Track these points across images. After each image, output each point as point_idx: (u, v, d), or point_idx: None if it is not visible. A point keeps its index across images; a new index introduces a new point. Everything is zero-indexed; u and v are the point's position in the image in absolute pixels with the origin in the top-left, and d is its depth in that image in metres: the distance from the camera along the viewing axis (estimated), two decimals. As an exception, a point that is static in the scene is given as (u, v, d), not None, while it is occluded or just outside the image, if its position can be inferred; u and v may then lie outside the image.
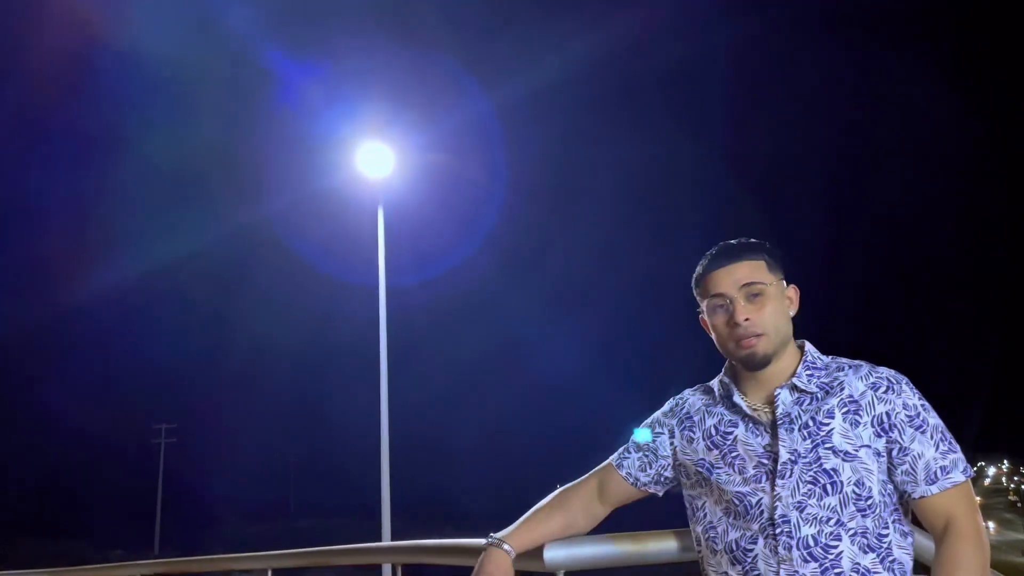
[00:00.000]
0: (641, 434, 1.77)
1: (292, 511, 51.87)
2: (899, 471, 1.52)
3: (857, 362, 1.63)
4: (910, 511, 1.57)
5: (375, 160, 14.20)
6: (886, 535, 1.51)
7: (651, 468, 1.73)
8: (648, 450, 1.73)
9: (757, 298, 1.59)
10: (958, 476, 1.51)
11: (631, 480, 1.73)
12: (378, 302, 13.54)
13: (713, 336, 1.66)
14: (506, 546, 1.67)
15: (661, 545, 1.79)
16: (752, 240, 1.67)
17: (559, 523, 1.74)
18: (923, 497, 1.51)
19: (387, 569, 8.47)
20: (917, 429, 1.52)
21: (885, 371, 1.60)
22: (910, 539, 1.56)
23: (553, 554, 1.73)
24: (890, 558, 1.50)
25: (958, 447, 1.56)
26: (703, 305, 1.65)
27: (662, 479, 1.73)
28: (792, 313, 1.65)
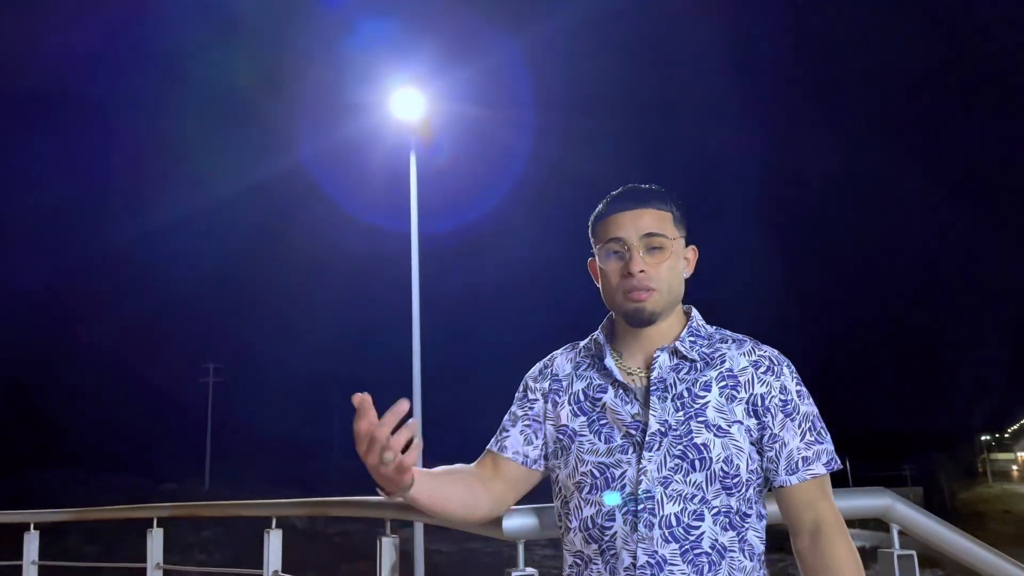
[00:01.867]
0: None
1: (336, 450, 53.40)
2: (765, 457, 1.44)
3: (741, 336, 1.53)
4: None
5: (407, 105, 14.09)
6: (749, 515, 1.43)
7: (537, 438, 1.56)
8: (528, 419, 1.57)
9: (657, 252, 1.47)
10: (819, 468, 1.43)
11: (520, 459, 1.55)
12: (410, 244, 13.57)
13: (599, 284, 1.54)
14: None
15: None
16: (661, 188, 1.53)
17: (459, 493, 1.52)
18: (782, 487, 1.43)
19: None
20: (787, 416, 1.44)
21: (769, 351, 1.50)
22: (764, 522, 1.48)
23: (512, 523, 1.69)
24: (745, 538, 1.42)
25: (828, 438, 1.47)
26: (596, 249, 1.52)
27: (550, 450, 1.55)
28: (687, 275, 1.53)
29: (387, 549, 2.64)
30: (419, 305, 13.30)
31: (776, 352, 1.51)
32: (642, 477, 1.39)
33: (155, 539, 4.13)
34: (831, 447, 1.46)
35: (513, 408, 1.61)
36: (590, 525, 1.43)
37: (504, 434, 1.58)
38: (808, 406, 1.46)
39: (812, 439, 1.44)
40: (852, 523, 1.89)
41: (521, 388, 1.62)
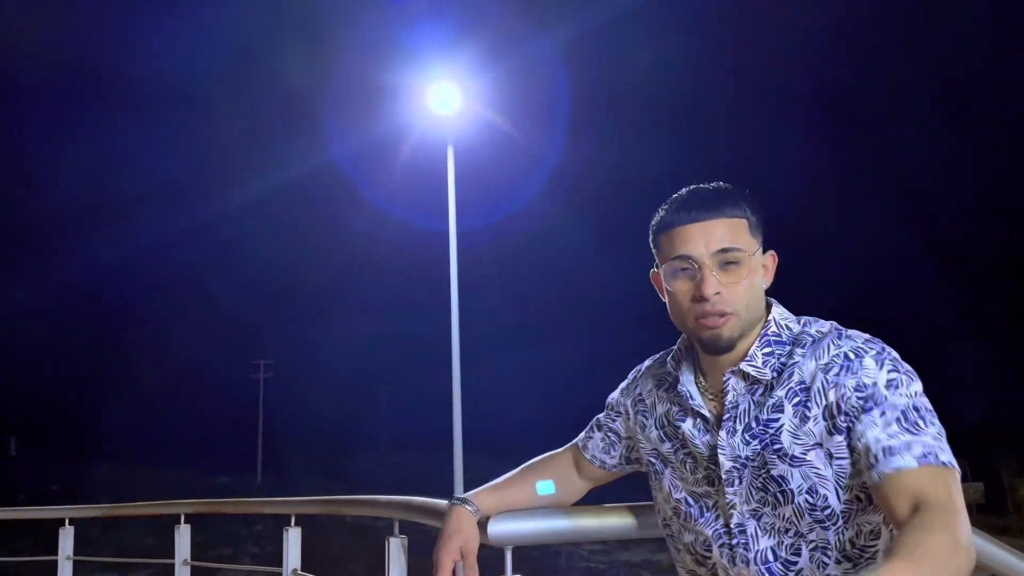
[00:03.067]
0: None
1: (384, 444, 54.02)
2: (853, 459, 1.21)
3: (825, 329, 1.29)
4: None
5: (444, 100, 14.09)
6: (872, 546, 1.23)
7: (615, 450, 1.53)
8: (609, 430, 1.53)
9: (732, 268, 1.26)
10: (907, 461, 1.11)
11: (597, 463, 1.55)
12: (448, 241, 13.58)
13: (667, 302, 1.35)
14: (469, 506, 1.46)
15: (623, 521, 1.62)
16: (732, 188, 1.32)
17: (528, 492, 1.54)
18: (869, 486, 1.17)
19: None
20: (869, 412, 1.18)
21: (848, 343, 1.25)
22: None
23: (497, 528, 1.61)
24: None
25: (930, 431, 1.16)
26: (662, 265, 1.32)
27: (632, 459, 1.52)
28: (766, 285, 1.33)
29: (395, 550, 2.59)
30: (457, 299, 13.31)
31: (859, 342, 1.24)
32: (732, 511, 1.29)
33: (182, 535, 4.17)
34: (935, 442, 1.14)
35: (602, 414, 1.56)
36: (693, 551, 1.37)
37: (590, 435, 1.57)
38: (900, 396, 1.18)
39: (900, 429, 1.14)
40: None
41: (611, 397, 1.55)
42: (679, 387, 1.36)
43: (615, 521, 1.63)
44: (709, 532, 1.32)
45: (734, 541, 1.29)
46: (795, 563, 1.25)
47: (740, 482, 1.27)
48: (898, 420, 1.16)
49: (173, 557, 4.17)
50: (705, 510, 1.33)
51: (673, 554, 1.45)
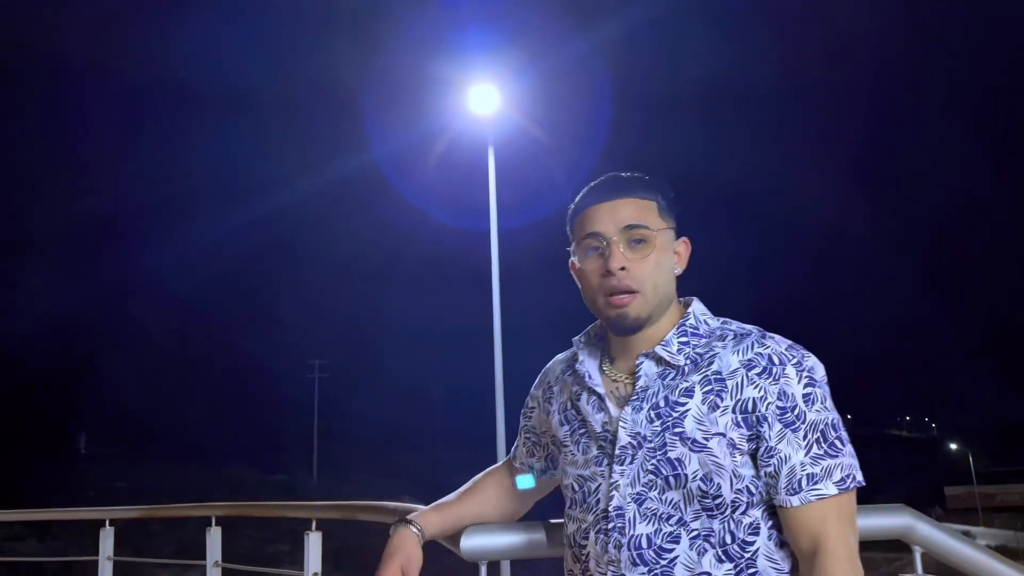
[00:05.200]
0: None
1: (436, 441, 54.51)
2: (763, 473, 1.23)
3: (748, 329, 1.32)
4: None
5: (484, 100, 14.13)
6: (752, 543, 1.22)
7: (537, 451, 1.52)
8: (528, 431, 1.52)
9: (640, 245, 1.29)
10: (827, 487, 1.20)
11: (527, 470, 1.55)
12: (489, 241, 13.61)
13: (581, 287, 1.37)
14: (414, 527, 1.48)
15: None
16: (645, 176, 1.35)
17: (471, 508, 1.58)
18: (783, 507, 1.23)
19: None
20: (788, 426, 1.22)
21: (773, 346, 1.27)
22: (786, 550, 1.26)
23: (470, 543, 1.61)
24: (752, 571, 1.22)
25: (846, 451, 1.23)
26: (573, 247, 1.36)
27: (556, 460, 1.50)
28: (678, 271, 1.36)
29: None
30: (499, 300, 13.33)
31: (784, 348, 1.27)
32: (614, 492, 1.26)
33: (213, 537, 4.26)
34: (849, 461, 1.23)
35: (521, 418, 1.57)
36: (572, 543, 1.34)
37: (517, 444, 1.58)
38: (819, 413, 1.22)
39: (821, 452, 1.21)
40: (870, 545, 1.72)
41: (528, 397, 1.56)
42: (576, 365, 1.39)
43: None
44: (590, 518, 1.30)
45: (610, 525, 1.26)
46: (670, 551, 1.22)
47: (632, 460, 1.27)
48: (818, 441, 1.22)
49: (205, 559, 4.28)
50: (588, 494, 1.31)
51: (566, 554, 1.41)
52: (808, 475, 1.21)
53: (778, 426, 1.23)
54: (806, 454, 1.22)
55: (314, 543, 3.47)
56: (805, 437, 1.22)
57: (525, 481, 1.56)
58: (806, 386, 1.24)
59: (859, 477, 1.24)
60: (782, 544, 1.26)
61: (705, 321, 1.34)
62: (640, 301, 1.29)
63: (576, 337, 1.44)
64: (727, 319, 1.36)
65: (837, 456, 1.22)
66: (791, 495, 1.21)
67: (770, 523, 1.25)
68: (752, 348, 1.27)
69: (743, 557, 1.22)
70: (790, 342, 1.29)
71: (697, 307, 1.36)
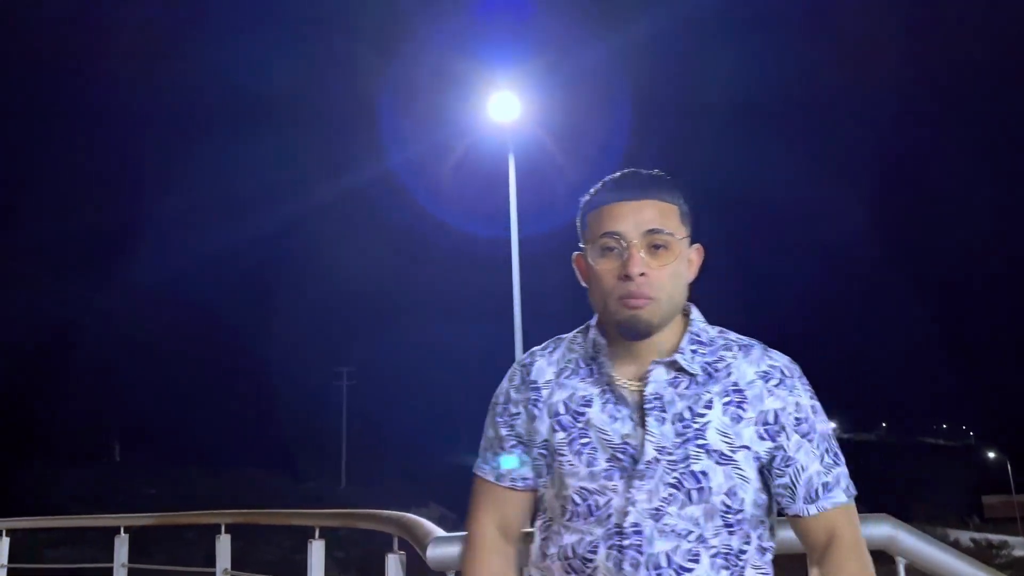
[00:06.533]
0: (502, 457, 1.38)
1: (463, 449, 54.56)
2: (778, 482, 1.24)
3: (748, 341, 1.31)
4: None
5: (504, 107, 14.16)
6: (745, 552, 1.23)
7: (526, 462, 1.37)
8: (515, 439, 1.36)
9: (660, 251, 1.23)
10: (841, 496, 1.25)
11: (521, 484, 1.35)
12: (510, 249, 13.62)
13: (588, 285, 1.30)
14: None
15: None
16: (667, 176, 1.30)
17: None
18: (799, 516, 1.25)
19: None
20: (804, 436, 1.25)
21: (780, 359, 1.29)
22: (769, 555, 1.26)
23: (437, 552, 1.61)
24: None
25: (843, 460, 1.28)
26: (587, 244, 1.28)
27: (542, 465, 1.36)
28: (690, 279, 1.30)
29: (393, 566, 2.61)
30: (520, 307, 13.32)
31: (788, 360, 1.30)
32: (630, 508, 1.21)
33: (222, 544, 4.31)
34: (847, 471, 1.27)
35: (492, 432, 1.38)
36: (570, 554, 1.25)
37: (493, 457, 1.37)
38: (824, 424, 1.27)
39: (831, 461, 1.25)
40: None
41: (502, 399, 1.39)
42: (600, 359, 1.29)
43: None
44: (599, 532, 1.23)
45: (626, 543, 1.21)
46: (690, 571, 1.19)
47: (653, 476, 1.21)
48: (826, 451, 1.26)
49: (214, 566, 4.32)
50: (596, 508, 1.24)
51: (535, 564, 1.34)
52: (824, 484, 1.24)
53: (796, 436, 1.25)
54: (820, 463, 1.25)
55: (317, 551, 3.48)
56: (818, 447, 1.26)
57: (509, 462, 1.37)
58: (811, 398, 1.28)
59: (853, 486, 1.29)
60: (764, 551, 1.27)
61: (705, 330, 1.32)
62: (654, 307, 1.23)
63: (590, 336, 1.33)
64: (722, 328, 1.34)
65: (840, 465, 1.27)
66: (808, 503, 1.24)
67: (758, 532, 1.26)
68: (764, 360, 1.28)
69: (737, 566, 1.22)
70: (787, 356, 1.32)
71: (696, 315, 1.33)
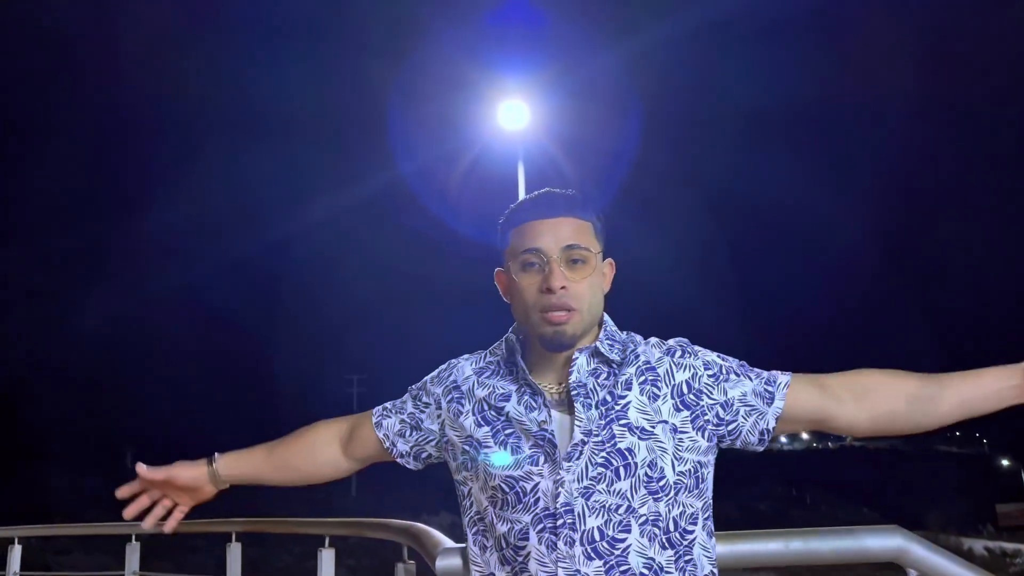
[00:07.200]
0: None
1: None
2: (732, 424, 1.36)
3: (650, 339, 1.45)
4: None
5: (513, 115, 14.19)
6: (691, 532, 1.30)
7: (410, 437, 1.50)
8: (414, 417, 1.50)
9: (579, 265, 1.35)
10: (783, 377, 1.39)
11: (387, 444, 1.52)
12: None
13: (511, 299, 1.42)
14: (216, 463, 1.54)
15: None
16: (580, 195, 1.40)
17: (281, 457, 1.57)
18: (778, 417, 1.37)
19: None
20: (725, 380, 1.38)
21: (678, 339, 1.45)
22: (713, 541, 1.34)
23: (445, 563, 1.61)
24: (687, 558, 1.29)
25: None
26: (509, 260, 1.39)
27: (423, 454, 1.51)
28: (606, 291, 1.42)
29: (402, 576, 2.62)
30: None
31: (685, 339, 1.45)
32: (560, 489, 1.28)
33: (232, 552, 4.32)
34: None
35: (406, 398, 1.53)
36: (504, 544, 1.33)
37: (388, 413, 1.53)
38: (734, 360, 1.41)
39: (756, 372, 1.40)
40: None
41: (418, 385, 1.53)
42: (516, 363, 1.39)
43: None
44: (527, 518, 1.30)
45: (559, 523, 1.27)
46: (623, 540, 1.26)
47: (580, 456, 1.29)
48: (748, 370, 1.40)
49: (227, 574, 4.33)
50: (524, 494, 1.31)
51: (473, 561, 1.40)
52: (765, 382, 1.38)
53: (721, 385, 1.37)
54: (755, 379, 1.39)
55: (327, 560, 3.49)
56: (740, 375, 1.39)
57: (395, 425, 1.54)
58: (716, 355, 1.42)
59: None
60: (711, 534, 1.36)
61: (616, 331, 1.43)
62: (576, 319, 1.34)
63: (504, 340, 1.47)
64: (629, 331, 1.46)
65: (770, 371, 1.42)
66: (770, 404, 1.37)
67: (706, 515, 1.35)
68: (666, 342, 1.43)
69: (682, 544, 1.29)
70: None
71: (608, 318, 1.45)
